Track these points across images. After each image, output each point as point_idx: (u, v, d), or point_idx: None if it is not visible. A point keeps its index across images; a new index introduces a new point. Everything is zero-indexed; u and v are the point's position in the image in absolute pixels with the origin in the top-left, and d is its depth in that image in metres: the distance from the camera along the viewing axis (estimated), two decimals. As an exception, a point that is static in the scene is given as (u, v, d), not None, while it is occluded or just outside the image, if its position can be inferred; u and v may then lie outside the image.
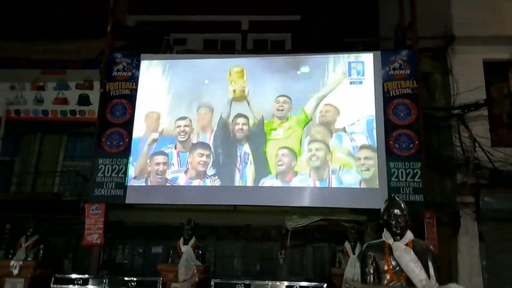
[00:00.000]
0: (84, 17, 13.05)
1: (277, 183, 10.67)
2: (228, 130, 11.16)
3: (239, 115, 11.21)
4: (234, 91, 11.38)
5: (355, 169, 10.50)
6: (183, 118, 11.30)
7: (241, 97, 11.32)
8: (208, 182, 10.84)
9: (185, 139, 11.15)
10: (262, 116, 11.08)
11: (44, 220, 10.28)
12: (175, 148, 11.12)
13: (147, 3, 14.84)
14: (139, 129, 11.29)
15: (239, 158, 10.89)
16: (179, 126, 11.23)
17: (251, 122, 11.10)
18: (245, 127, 11.08)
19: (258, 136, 11.03)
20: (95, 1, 12.79)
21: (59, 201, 11.74)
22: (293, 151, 10.80)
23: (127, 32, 13.44)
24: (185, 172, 10.93)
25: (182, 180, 10.89)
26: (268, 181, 10.71)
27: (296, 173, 10.66)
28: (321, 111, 10.97)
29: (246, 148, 10.95)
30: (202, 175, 10.89)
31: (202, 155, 11.00)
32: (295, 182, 10.61)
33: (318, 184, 10.55)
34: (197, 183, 10.89)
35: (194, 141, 11.14)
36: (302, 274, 11.40)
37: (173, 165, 11.00)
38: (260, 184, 10.71)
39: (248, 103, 11.24)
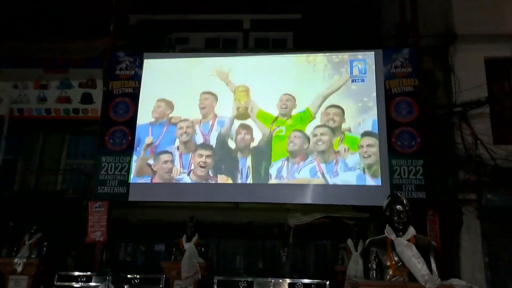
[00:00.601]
0: (87, 16, 13.12)
1: (286, 164, 10.66)
2: (227, 145, 11.06)
3: (242, 126, 11.12)
4: (238, 109, 11.27)
5: (358, 155, 10.51)
6: (185, 120, 11.30)
7: (244, 115, 11.22)
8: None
9: (187, 139, 11.13)
10: (269, 132, 10.98)
11: (48, 218, 10.29)
12: (178, 149, 11.12)
13: (150, 2, 14.86)
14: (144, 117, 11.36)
15: (239, 173, 10.85)
16: (181, 128, 11.23)
17: (256, 137, 11.01)
18: (248, 137, 11.02)
19: (263, 152, 10.93)
20: (97, 0, 12.81)
21: (62, 198, 11.81)
22: (305, 134, 10.78)
23: (130, 31, 13.49)
24: (188, 174, 10.93)
25: (187, 181, 10.87)
26: (278, 163, 10.68)
27: (307, 156, 10.64)
28: (328, 113, 10.92)
29: (248, 161, 10.91)
30: (206, 178, 10.87)
31: (201, 155, 10.95)
32: (305, 163, 10.58)
33: (323, 167, 10.51)
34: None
35: (196, 140, 11.09)
36: (305, 271, 11.46)
37: (176, 167, 11.02)
38: (270, 167, 10.71)
39: (253, 121, 11.14)
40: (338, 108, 10.91)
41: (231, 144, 11.02)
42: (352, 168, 10.42)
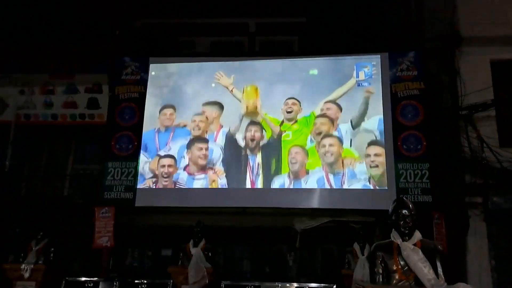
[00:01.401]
0: (92, 21, 13.13)
1: (287, 182, 10.66)
2: (236, 143, 11.11)
3: (252, 123, 11.17)
4: (247, 107, 11.31)
5: (365, 165, 10.50)
6: (199, 114, 11.36)
7: (253, 113, 11.27)
8: (211, 174, 10.92)
9: (199, 134, 11.20)
10: (279, 128, 11.03)
11: (54, 224, 10.31)
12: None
13: (155, 6, 14.87)
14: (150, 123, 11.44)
15: (248, 169, 10.87)
16: (194, 121, 11.30)
17: (267, 134, 11.05)
18: (257, 134, 11.05)
19: (272, 147, 10.99)
20: (103, 5, 12.84)
21: (69, 204, 11.82)
22: (305, 149, 10.78)
23: (135, 35, 13.50)
24: (184, 169, 11.00)
25: (184, 177, 10.95)
26: (279, 179, 10.69)
27: (307, 171, 10.64)
28: (322, 108, 11.01)
29: (258, 158, 10.93)
30: (205, 168, 10.96)
31: (201, 149, 11.07)
32: (307, 179, 10.59)
33: (331, 178, 10.50)
34: (201, 177, 10.94)
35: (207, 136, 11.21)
36: (312, 275, 11.43)
37: (184, 158, 11.09)
38: (271, 183, 10.71)
39: (262, 119, 11.18)
40: (333, 103, 10.97)
41: (240, 143, 11.08)
42: (359, 178, 10.43)
